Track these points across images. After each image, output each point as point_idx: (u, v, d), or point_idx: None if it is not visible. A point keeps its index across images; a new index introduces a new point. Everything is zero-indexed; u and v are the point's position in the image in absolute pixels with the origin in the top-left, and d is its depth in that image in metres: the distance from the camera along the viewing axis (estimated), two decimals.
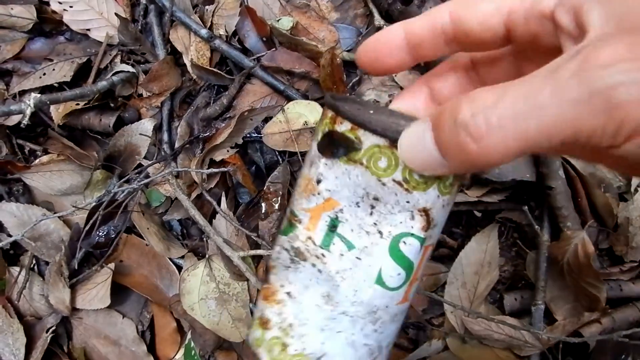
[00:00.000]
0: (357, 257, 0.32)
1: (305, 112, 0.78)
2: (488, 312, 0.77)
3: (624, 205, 0.75)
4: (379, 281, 0.32)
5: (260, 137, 0.80)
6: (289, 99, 0.80)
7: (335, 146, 0.31)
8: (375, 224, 0.31)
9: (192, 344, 0.73)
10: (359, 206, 0.31)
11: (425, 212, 0.31)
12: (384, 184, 0.30)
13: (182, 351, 0.77)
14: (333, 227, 0.32)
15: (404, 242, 0.31)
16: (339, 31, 0.81)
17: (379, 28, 0.79)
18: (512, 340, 0.73)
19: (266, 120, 0.80)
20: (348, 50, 0.82)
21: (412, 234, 0.31)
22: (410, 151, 0.28)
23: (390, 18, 0.78)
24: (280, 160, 0.81)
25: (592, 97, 0.21)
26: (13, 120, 0.78)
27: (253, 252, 0.77)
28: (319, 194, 0.32)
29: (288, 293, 0.34)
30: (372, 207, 0.31)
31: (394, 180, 0.30)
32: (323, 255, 0.32)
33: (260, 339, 0.35)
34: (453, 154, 0.25)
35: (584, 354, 0.74)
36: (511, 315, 0.76)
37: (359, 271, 0.32)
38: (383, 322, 0.33)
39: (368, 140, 0.30)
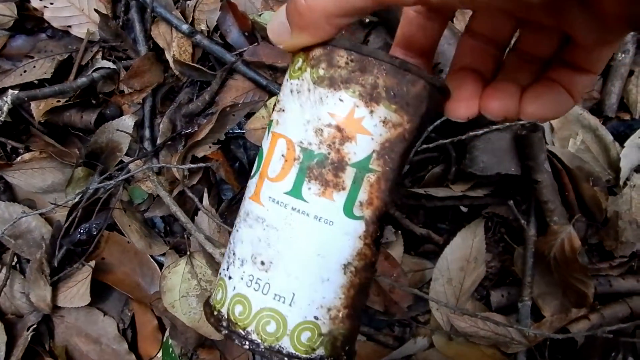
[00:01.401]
0: None
1: None
2: (475, 308, 0.76)
3: (613, 199, 0.74)
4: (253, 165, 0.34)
5: (243, 133, 0.79)
6: (271, 94, 0.79)
7: None
8: None
9: (170, 341, 0.72)
10: None
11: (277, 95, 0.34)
12: None
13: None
14: None
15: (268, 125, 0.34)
16: None
17: (361, 22, 0.78)
18: (499, 338, 0.71)
19: (249, 115, 0.79)
20: None
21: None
22: (271, 25, 0.31)
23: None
24: None
25: None
26: None
27: None
28: None
29: None
30: None
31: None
32: None
33: None
34: (291, 14, 0.29)
35: (572, 352, 0.72)
36: (498, 311, 0.75)
37: None
38: (244, 212, 0.33)
39: None
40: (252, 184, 0.33)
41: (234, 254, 0.32)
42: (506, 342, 0.72)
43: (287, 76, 0.32)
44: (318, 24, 0.28)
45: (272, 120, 0.32)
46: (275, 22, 0.31)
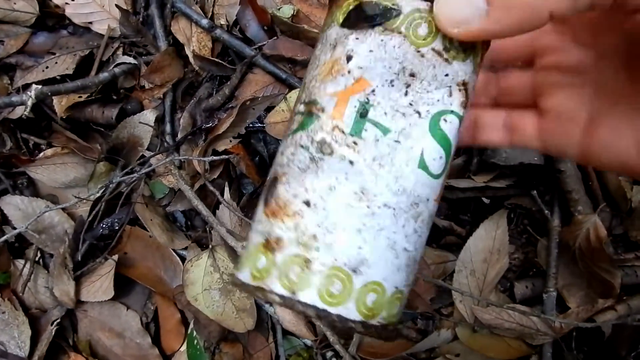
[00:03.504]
0: (395, 141, 0.29)
1: None
2: (498, 300, 0.75)
3: (639, 188, 0.73)
4: (422, 165, 0.30)
5: (263, 127, 0.79)
6: (291, 87, 0.79)
7: (368, 16, 0.29)
8: (411, 104, 0.29)
9: (195, 333, 0.72)
10: (392, 85, 0.29)
11: (464, 85, 0.30)
12: (422, 55, 0.29)
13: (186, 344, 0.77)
14: (364, 112, 0.29)
15: (445, 119, 0.30)
16: None
17: None
18: (524, 329, 0.71)
19: (269, 109, 0.79)
20: None
21: (452, 111, 0.30)
22: (452, 7, 0.27)
23: None
24: None
25: None
26: (17, 113, 0.78)
27: None
28: (349, 72, 0.29)
29: (306, 202, 0.29)
30: (408, 85, 0.29)
31: (433, 50, 0.29)
32: (355, 143, 0.29)
33: (267, 267, 0.29)
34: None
35: (599, 343, 0.72)
36: (522, 303, 0.74)
37: (399, 155, 0.29)
38: (423, 220, 0.31)
39: (408, 5, 0.28)
40: (437, 183, 0.31)
41: (417, 259, 0.32)
42: (531, 333, 0.71)
43: (473, 64, 0.31)
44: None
45: (462, 115, 0.32)
46: (462, 6, 0.26)
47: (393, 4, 0.29)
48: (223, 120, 0.79)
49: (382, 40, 0.29)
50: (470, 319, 0.74)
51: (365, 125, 0.29)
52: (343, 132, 0.29)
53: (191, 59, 0.81)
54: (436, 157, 0.30)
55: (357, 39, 0.29)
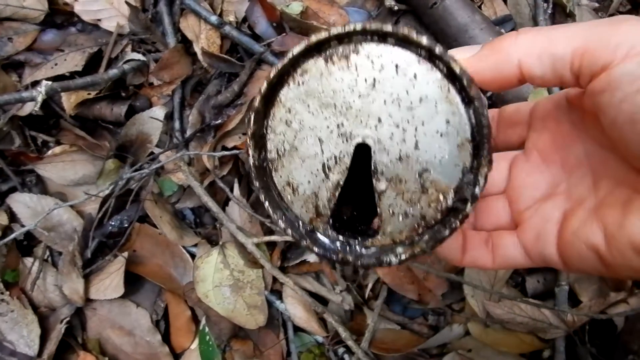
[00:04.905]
0: None
1: None
2: (510, 295, 0.75)
3: None
4: None
5: None
6: None
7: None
8: None
9: (207, 329, 0.71)
10: None
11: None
12: None
13: (197, 341, 0.76)
14: None
15: None
16: (350, 15, 0.80)
17: (390, 9, 0.78)
18: (536, 323, 0.71)
19: None
20: None
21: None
22: (461, 48, 0.34)
23: None
24: None
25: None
26: (26, 110, 0.78)
27: (267, 238, 0.76)
28: None
29: None
30: None
31: None
32: None
33: None
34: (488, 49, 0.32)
35: (612, 337, 0.71)
36: (534, 298, 0.74)
37: None
38: None
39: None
40: None
41: None
42: (544, 327, 0.71)
43: None
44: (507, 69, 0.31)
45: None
46: (469, 48, 0.34)
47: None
48: (232, 117, 0.78)
49: None
50: (482, 313, 0.73)
51: None
52: None
53: (200, 56, 0.81)
54: None
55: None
